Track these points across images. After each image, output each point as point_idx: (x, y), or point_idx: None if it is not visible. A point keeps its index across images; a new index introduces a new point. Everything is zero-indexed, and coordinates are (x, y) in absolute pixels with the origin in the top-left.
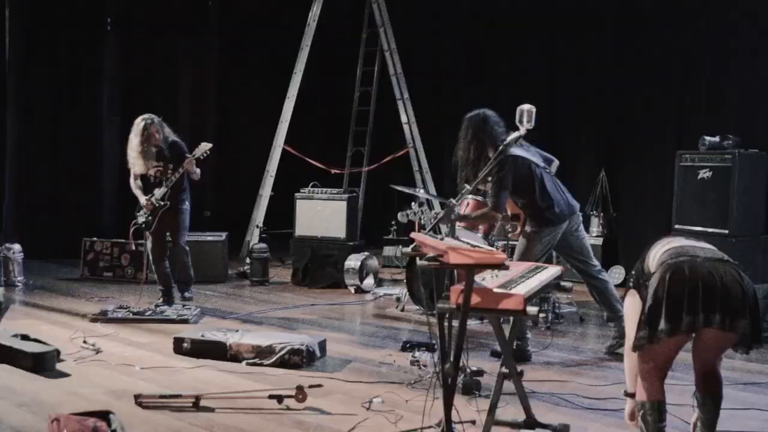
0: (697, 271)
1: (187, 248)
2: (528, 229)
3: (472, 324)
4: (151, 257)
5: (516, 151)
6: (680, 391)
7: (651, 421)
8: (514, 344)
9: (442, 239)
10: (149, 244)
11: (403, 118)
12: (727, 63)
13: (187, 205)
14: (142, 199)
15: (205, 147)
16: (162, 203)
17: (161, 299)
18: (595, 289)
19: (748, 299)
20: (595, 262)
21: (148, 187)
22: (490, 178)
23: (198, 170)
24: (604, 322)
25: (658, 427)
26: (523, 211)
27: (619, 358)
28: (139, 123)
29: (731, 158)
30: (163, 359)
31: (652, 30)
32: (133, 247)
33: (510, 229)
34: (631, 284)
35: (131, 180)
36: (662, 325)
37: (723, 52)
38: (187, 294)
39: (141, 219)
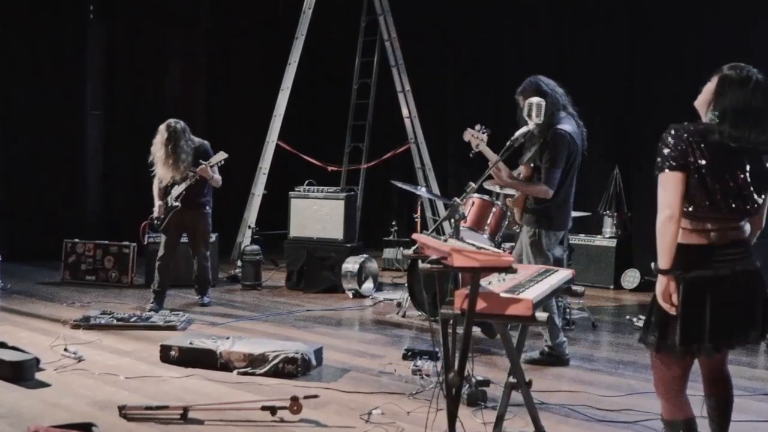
0: (716, 290)
1: (209, 254)
2: (529, 231)
3: (478, 331)
4: (159, 253)
5: (572, 131)
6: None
7: None
8: (550, 351)
9: (445, 240)
10: (162, 239)
11: (405, 112)
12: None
13: (208, 209)
14: (156, 204)
15: (221, 156)
16: (174, 204)
17: (153, 302)
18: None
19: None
20: None
21: (169, 188)
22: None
23: (219, 177)
24: (618, 329)
25: None
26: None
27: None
28: (163, 131)
29: None
30: (149, 368)
31: (667, 23)
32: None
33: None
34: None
35: (155, 182)
36: (677, 341)
37: (737, 44)
38: (205, 299)
39: (154, 218)
